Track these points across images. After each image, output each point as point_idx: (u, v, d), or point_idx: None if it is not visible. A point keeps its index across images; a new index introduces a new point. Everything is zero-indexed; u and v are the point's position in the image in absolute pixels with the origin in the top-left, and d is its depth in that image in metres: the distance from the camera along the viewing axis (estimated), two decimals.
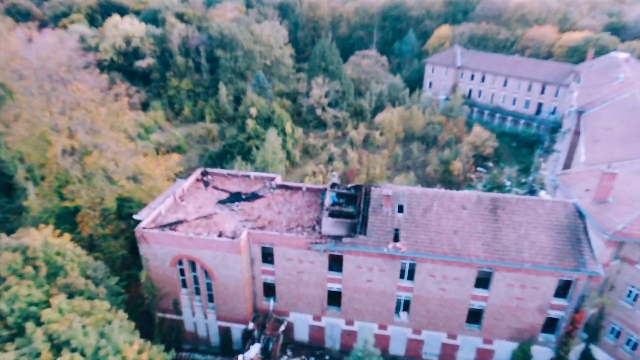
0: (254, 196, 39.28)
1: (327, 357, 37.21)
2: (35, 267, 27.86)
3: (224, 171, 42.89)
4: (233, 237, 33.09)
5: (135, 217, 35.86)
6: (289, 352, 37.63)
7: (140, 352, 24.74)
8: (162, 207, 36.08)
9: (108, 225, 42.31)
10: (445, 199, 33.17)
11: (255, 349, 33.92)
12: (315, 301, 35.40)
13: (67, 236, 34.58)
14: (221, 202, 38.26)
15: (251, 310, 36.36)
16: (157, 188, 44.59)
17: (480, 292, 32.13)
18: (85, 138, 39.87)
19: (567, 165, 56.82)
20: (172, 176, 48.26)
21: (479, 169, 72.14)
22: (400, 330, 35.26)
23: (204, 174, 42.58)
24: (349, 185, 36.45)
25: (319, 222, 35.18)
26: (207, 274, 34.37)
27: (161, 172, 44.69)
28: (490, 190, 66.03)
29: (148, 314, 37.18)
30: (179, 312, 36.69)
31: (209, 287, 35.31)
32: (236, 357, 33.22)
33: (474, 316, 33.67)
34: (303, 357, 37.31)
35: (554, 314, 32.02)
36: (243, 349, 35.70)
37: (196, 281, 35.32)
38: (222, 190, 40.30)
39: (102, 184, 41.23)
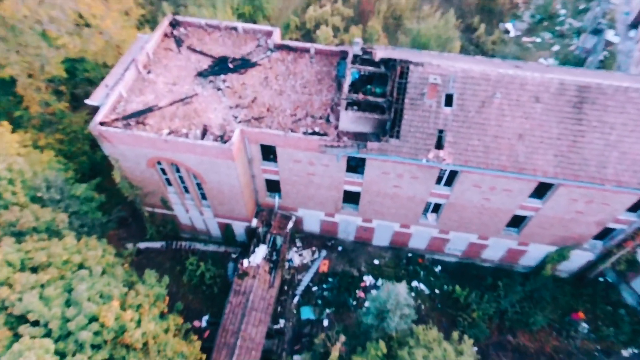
0: (245, 64, 29.12)
1: (339, 249, 34.19)
2: None
3: (202, 20, 31.08)
4: (222, 137, 25.07)
5: (87, 102, 26.77)
6: (299, 243, 34.43)
7: (122, 306, 20.34)
8: (122, 86, 26.63)
9: (62, 98, 33.21)
10: (514, 86, 23.67)
11: (261, 252, 30.21)
12: (328, 202, 29.91)
13: (6, 126, 26.75)
14: (201, 74, 28.43)
15: (253, 208, 31.22)
16: (115, 39, 33.58)
17: (532, 202, 26.26)
18: None
19: None
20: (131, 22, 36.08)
21: None
22: (425, 230, 30.98)
23: (174, 25, 30.99)
24: (377, 57, 26.02)
25: (334, 108, 26.51)
26: (195, 176, 27.76)
27: (114, 20, 32.61)
28: (539, 22, 52.95)
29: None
30: (169, 209, 31.63)
31: (199, 186, 29.21)
32: (240, 261, 29.77)
33: (515, 221, 28.79)
34: (314, 248, 34.23)
35: (614, 226, 27.02)
36: (248, 243, 32.19)
37: (183, 180, 29.00)
38: (202, 53, 29.73)
39: (37, 43, 30.26)
